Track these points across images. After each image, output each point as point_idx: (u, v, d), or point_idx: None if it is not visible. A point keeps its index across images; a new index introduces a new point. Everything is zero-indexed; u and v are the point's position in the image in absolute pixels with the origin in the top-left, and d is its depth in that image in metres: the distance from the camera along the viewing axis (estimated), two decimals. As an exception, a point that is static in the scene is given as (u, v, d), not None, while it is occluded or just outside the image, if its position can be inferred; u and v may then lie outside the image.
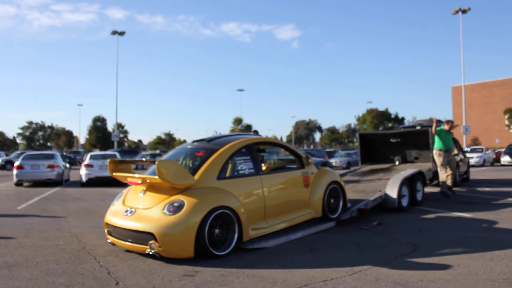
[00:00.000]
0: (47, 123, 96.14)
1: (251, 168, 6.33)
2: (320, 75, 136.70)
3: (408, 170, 9.91)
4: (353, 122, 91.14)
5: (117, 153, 20.02)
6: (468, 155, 22.78)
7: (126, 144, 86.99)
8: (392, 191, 8.66)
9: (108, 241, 5.94)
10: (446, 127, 10.25)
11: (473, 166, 26.05)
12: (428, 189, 12.08)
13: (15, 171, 17.12)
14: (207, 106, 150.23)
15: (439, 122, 14.14)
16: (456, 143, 15.01)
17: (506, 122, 58.24)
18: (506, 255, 5.23)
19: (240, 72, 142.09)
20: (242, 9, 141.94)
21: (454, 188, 11.84)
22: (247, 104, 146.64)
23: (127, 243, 5.43)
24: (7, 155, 40.41)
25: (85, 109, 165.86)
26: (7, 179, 20.97)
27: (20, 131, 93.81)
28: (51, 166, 17.23)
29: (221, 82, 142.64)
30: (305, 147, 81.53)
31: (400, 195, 8.75)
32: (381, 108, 78.40)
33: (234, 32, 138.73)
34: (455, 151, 13.92)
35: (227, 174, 6.10)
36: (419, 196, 9.75)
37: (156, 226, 5.12)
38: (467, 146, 35.52)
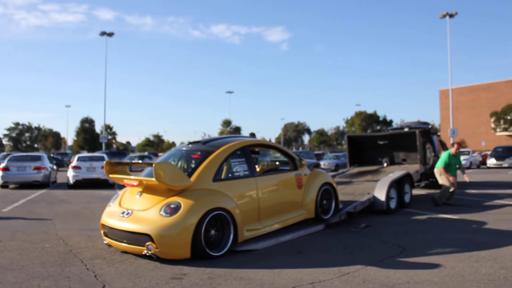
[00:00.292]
0: (34, 124, 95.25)
1: (246, 170, 6.42)
2: (309, 78, 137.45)
3: (396, 172, 9.98)
4: (342, 124, 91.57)
5: (105, 155, 19.83)
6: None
7: (114, 145, 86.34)
8: (381, 194, 8.72)
9: (104, 242, 5.95)
10: (453, 150, 10.09)
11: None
12: (416, 191, 12.18)
13: (0, 173, 16.82)
14: (196, 108, 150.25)
15: (425, 124, 14.30)
16: (444, 145, 15.16)
17: (492, 125, 58.95)
18: (491, 256, 5.29)
19: (229, 74, 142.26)
20: (231, 11, 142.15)
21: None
22: (236, 106, 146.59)
23: (124, 244, 5.47)
24: (-7, 156, 39.86)
25: (73, 110, 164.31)
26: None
27: (7, 132, 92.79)
28: (37, 168, 17.01)
29: (210, 84, 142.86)
30: (294, 149, 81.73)
31: (388, 197, 8.81)
32: (370, 110, 79.05)
33: (224, 34, 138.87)
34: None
35: (223, 176, 6.17)
36: (407, 198, 9.82)
37: (153, 228, 5.17)
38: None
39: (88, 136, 72.60)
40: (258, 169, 7.15)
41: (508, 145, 33.13)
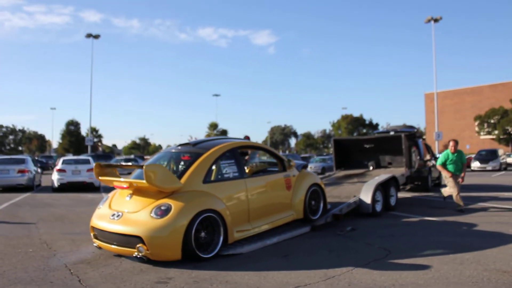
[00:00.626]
0: (18, 127, 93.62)
1: (235, 171, 6.46)
2: (296, 81, 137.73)
3: (382, 175, 10.05)
4: (328, 128, 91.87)
5: (90, 158, 19.61)
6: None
7: (100, 148, 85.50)
8: (366, 197, 8.77)
9: (94, 244, 5.93)
10: (451, 149, 10.02)
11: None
12: (401, 194, 12.28)
13: (-17, 176, 16.59)
14: (183, 111, 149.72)
15: (411, 127, 14.45)
16: (429, 149, 15.33)
17: (476, 128, 59.77)
18: (475, 258, 5.35)
19: (216, 77, 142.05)
20: (218, 14, 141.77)
21: (428, 193, 12.11)
22: (223, 109, 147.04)
23: (114, 246, 5.46)
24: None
25: (58, 113, 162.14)
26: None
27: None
28: (21, 171, 16.76)
29: (197, 87, 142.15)
30: (281, 152, 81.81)
31: (374, 200, 8.86)
32: (356, 114, 79.38)
33: (211, 37, 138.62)
34: (428, 157, 14.22)
35: (212, 178, 6.20)
36: (392, 201, 9.89)
37: (144, 230, 5.16)
38: (439, 152, 36.28)
39: (74, 139, 71.69)
40: (247, 170, 7.19)
41: (491, 149, 33.61)
